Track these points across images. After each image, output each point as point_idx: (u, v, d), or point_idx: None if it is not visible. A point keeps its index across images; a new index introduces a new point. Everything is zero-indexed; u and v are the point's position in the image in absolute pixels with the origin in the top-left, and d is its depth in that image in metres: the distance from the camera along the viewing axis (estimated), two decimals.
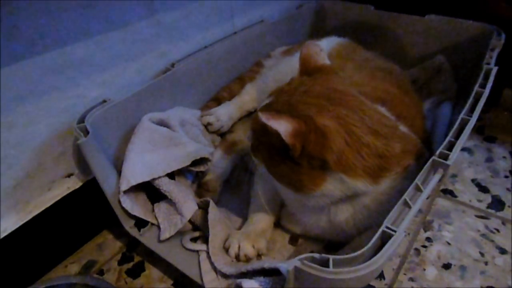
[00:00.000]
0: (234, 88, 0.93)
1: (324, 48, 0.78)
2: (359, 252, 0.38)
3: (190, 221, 0.65)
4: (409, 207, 0.45)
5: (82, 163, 0.67)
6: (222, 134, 0.87)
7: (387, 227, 0.42)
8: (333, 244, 0.64)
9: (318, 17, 1.16)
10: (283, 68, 0.85)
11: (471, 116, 0.59)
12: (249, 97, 0.90)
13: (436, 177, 0.50)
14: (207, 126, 0.84)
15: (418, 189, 0.48)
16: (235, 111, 0.88)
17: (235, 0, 0.93)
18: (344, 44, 0.85)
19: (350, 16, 1.10)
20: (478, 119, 0.60)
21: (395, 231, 0.41)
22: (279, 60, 0.91)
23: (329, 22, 1.15)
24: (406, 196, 0.46)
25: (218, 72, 0.91)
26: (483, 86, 0.66)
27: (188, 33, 0.84)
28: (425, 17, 0.98)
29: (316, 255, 0.40)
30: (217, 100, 0.91)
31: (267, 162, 0.56)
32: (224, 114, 0.86)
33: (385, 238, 0.41)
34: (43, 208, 0.66)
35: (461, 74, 0.95)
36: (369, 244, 0.39)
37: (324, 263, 0.39)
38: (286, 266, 0.43)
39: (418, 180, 0.49)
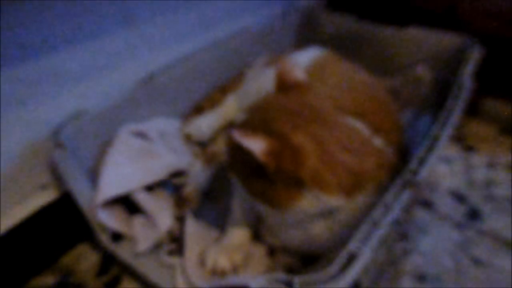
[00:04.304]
0: (216, 98, 0.92)
1: (303, 61, 0.79)
2: (323, 272, 0.39)
3: (168, 232, 0.65)
4: (377, 226, 0.45)
5: (58, 175, 0.66)
6: (203, 145, 0.87)
7: (353, 247, 0.42)
8: (311, 256, 0.65)
9: (302, 27, 1.16)
10: (264, 79, 0.84)
11: (443, 131, 0.59)
12: (230, 107, 0.89)
13: (406, 194, 0.50)
14: (187, 137, 0.84)
15: (386, 208, 0.48)
16: (216, 121, 0.88)
17: (217, 9, 0.93)
18: (324, 56, 0.85)
19: (334, 26, 1.11)
20: (457, 129, 0.61)
21: (361, 250, 0.42)
22: (260, 71, 0.91)
23: (313, 32, 1.16)
24: (374, 215, 0.46)
25: (200, 82, 0.91)
26: (457, 99, 0.67)
27: (168, 43, 0.84)
28: (407, 28, 0.99)
29: (279, 276, 0.40)
30: (199, 111, 0.90)
31: (242, 179, 0.56)
32: (205, 124, 0.86)
33: (351, 258, 0.41)
34: (18, 221, 0.65)
35: (441, 86, 0.95)
36: (333, 265, 0.39)
37: (289, 283, 0.39)
38: (253, 284, 0.43)
39: (387, 199, 0.49)
